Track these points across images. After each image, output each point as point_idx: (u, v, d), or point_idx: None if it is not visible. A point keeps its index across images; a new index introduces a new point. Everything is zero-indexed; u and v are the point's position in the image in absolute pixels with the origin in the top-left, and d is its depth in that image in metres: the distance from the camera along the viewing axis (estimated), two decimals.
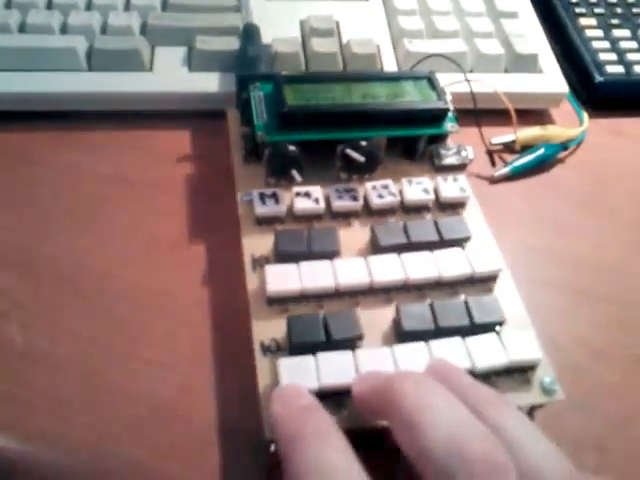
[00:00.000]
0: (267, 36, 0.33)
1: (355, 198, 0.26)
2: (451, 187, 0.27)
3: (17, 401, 0.22)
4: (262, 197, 0.26)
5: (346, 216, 0.26)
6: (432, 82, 0.29)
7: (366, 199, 0.27)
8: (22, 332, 0.23)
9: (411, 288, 0.24)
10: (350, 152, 0.26)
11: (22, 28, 0.32)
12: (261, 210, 0.25)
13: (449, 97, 0.29)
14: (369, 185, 0.27)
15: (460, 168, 0.29)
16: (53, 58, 0.31)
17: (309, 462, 0.17)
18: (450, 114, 0.28)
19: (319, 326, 0.21)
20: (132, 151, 0.31)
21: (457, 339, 0.22)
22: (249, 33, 0.32)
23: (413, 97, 0.28)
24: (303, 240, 0.24)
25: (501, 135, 0.33)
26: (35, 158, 0.30)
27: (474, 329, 0.22)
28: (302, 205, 0.26)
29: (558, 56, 0.37)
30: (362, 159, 0.26)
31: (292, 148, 0.26)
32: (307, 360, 0.21)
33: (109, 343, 0.23)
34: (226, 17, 0.34)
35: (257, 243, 0.25)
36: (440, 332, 0.22)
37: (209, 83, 0.32)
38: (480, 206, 0.28)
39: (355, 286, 0.23)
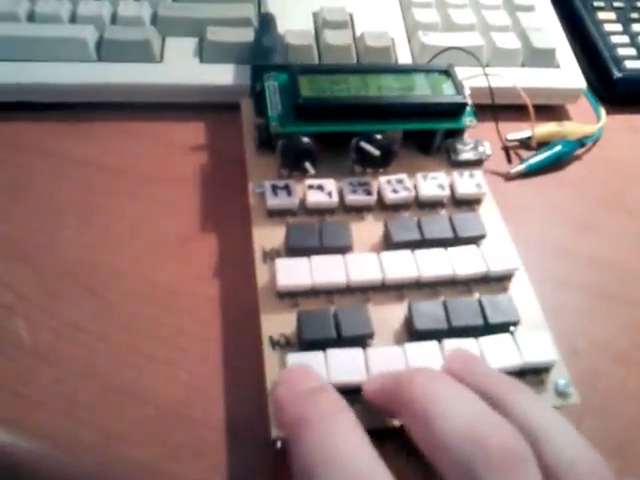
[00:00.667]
0: (280, 27, 0.32)
1: (369, 192, 0.26)
2: (467, 183, 0.27)
3: (23, 399, 0.21)
4: (274, 189, 0.25)
5: (359, 210, 0.26)
6: (451, 75, 0.28)
7: (380, 193, 0.26)
8: (28, 328, 0.23)
9: (424, 286, 0.23)
10: (365, 145, 0.26)
11: (31, 17, 0.31)
12: (273, 202, 0.25)
13: (468, 91, 0.28)
14: (383, 179, 0.26)
15: (476, 164, 0.28)
16: (62, 48, 0.30)
17: (317, 445, 0.16)
18: (468, 108, 0.28)
19: (330, 322, 0.21)
20: (142, 143, 0.30)
21: (470, 339, 0.21)
22: (265, 23, 0.32)
23: (431, 90, 0.27)
24: (315, 234, 0.24)
25: (517, 131, 0.32)
26: (42, 150, 0.29)
27: (488, 329, 0.22)
28: (315, 198, 0.25)
29: (576, 51, 0.36)
30: (377, 153, 0.26)
31: (306, 140, 0.26)
32: (316, 356, 0.20)
33: (117, 340, 0.23)
34: (238, 7, 0.33)
35: (268, 235, 0.24)
36: (453, 331, 0.21)
37: (220, 75, 0.31)
38: (496, 203, 0.27)
39: (367, 282, 0.23)
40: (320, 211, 0.25)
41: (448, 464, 0.15)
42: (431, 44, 0.33)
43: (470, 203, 0.27)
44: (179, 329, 0.24)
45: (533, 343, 0.21)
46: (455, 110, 0.27)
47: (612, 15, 0.38)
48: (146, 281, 0.25)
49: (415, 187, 0.26)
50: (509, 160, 0.32)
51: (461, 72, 0.29)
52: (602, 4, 0.39)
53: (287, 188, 0.25)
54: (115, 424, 0.21)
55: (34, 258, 0.25)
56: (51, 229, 0.26)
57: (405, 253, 0.23)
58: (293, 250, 0.23)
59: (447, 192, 0.26)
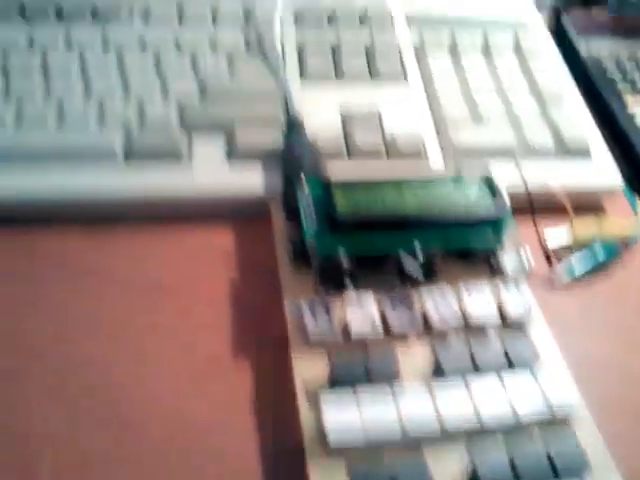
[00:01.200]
0: (307, 124, 0.32)
1: (412, 310, 0.24)
2: (514, 300, 0.25)
3: None
4: (313, 312, 0.24)
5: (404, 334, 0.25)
6: (490, 184, 0.27)
7: (424, 314, 0.25)
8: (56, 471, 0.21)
9: (483, 431, 0.22)
10: (406, 264, 0.25)
11: (60, 117, 0.31)
12: (313, 329, 0.23)
13: (507, 200, 0.27)
14: (427, 299, 0.25)
15: (519, 272, 0.27)
16: (89, 153, 0.30)
17: None
18: (509, 221, 0.27)
19: None
20: (168, 252, 0.29)
21: None
22: (293, 126, 0.31)
23: (470, 203, 0.26)
24: (360, 366, 0.22)
25: (554, 225, 0.31)
26: (61, 261, 0.28)
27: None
28: (359, 328, 0.24)
29: (608, 141, 0.35)
30: (420, 277, 0.24)
31: (345, 259, 0.24)
32: None
33: None
34: (266, 106, 0.33)
35: (309, 366, 0.23)
36: None
37: (251, 178, 0.30)
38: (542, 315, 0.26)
39: (423, 432, 0.21)
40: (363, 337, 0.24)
41: None
42: (461, 143, 0.32)
43: (519, 321, 0.25)
44: (219, 474, 0.22)
45: None
46: (496, 223, 0.26)
47: None
48: (181, 417, 0.23)
49: (460, 303, 0.25)
50: (549, 261, 0.31)
51: (493, 166, 0.28)
52: (629, 87, 0.39)
53: (327, 309, 0.24)
54: None
55: (62, 384, 0.24)
56: (74, 346, 0.25)
57: (459, 388, 0.22)
58: (338, 383, 0.22)
59: (496, 313, 0.25)
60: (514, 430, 0.22)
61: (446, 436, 0.21)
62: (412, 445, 0.21)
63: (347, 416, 0.21)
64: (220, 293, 0.27)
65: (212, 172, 0.30)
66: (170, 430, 0.23)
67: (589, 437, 0.22)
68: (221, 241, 0.30)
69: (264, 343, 0.26)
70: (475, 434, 0.21)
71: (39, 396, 0.23)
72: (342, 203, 0.25)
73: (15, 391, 0.24)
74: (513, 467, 0.20)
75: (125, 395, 0.24)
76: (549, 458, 0.20)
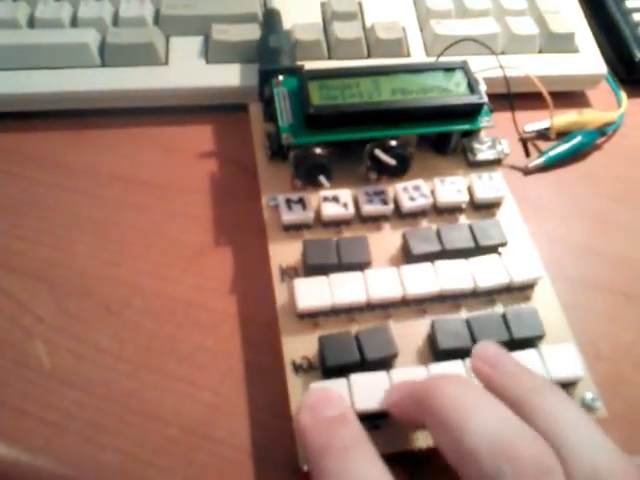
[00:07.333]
0: (287, 21, 0.31)
1: (385, 201, 0.25)
2: (486, 187, 0.26)
3: (47, 424, 0.21)
4: (288, 203, 0.25)
5: (376, 220, 0.25)
6: (466, 72, 0.27)
7: (397, 202, 0.26)
8: (47, 350, 0.23)
9: (446, 298, 0.23)
10: (380, 155, 0.25)
11: (31, 22, 0.31)
12: (288, 217, 0.24)
13: (483, 88, 0.27)
14: (400, 187, 0.26)
15: (495, 163, 0.27)
16: (64, 54, 0.30)
17: (337, 476, 0.16)
18: (485, 107, 0.27)
19: (352, 346, 0.21)
20: (150, 150, 0.30)
21: None
22: (270, 20, 0.31)
23: (446, 90, 0.26)
24: (332, 251, 0.23)
25: (535, 120, 0.31)
26: (49, 160, 0.29)
27: (513, 344, 0.21)
28: (330, 211, 0.25)
29: (595, 31, 0.35)
30: (393, 162, 0.25)
31: (319, 152, 0.25)
32: (340, 384, 0.20)
33: (137, 359, 0.23)
34: (243, 2, 0.32)
35: (284, 251, 0.24)
36: None
37: (228, 75, 0.30)
38: (515, 201, 0.27)
39: (387, 299, 0.22)
40: (336, 223, 0.25)
41: (475, 475, 0.16)
42: (444, 34, 0.32)
43: (490, 206, 0.26)
44: (199, 346, 0.24)
45: (559, 358, 0.21)
46: (471, 111, 0.27)
47: None
48: (164, 297, 0.25)
49: (432, 193, 0.26)
50: (527, 153, 0.31)
51: (475, 61, 0.28)
52: None
53: (302, 201, 0.25)
54: (138, 447, 0.21)
55: (50, 277, 0.25)
56: (64, 245, 0.26)
57: (425, 266, 0.23)
58: (311, 268, 0.23)
59: (466, 197, 0.26)
60: (474, 296, 0.23)
61: (409, 303, 0.23)
62: (378, 312, 0.22)
63: (317, 287, 0.22)
64: (201, 187, 0.28)
65: (189, 68, 0.30)
66: (155, 311, 0.24)
67: (549, 309, 0.23)
68: (204, 141, 0.30)
69: (242, 230, 0.27)
70: (437, 302, 0.23)
71: (34, 290, 0.25)
72: (316, 97, 0.26)
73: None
74: (469, 327, 0.21)
75: (115, 288, 0.25)
76: (505, 320, 0.22)
